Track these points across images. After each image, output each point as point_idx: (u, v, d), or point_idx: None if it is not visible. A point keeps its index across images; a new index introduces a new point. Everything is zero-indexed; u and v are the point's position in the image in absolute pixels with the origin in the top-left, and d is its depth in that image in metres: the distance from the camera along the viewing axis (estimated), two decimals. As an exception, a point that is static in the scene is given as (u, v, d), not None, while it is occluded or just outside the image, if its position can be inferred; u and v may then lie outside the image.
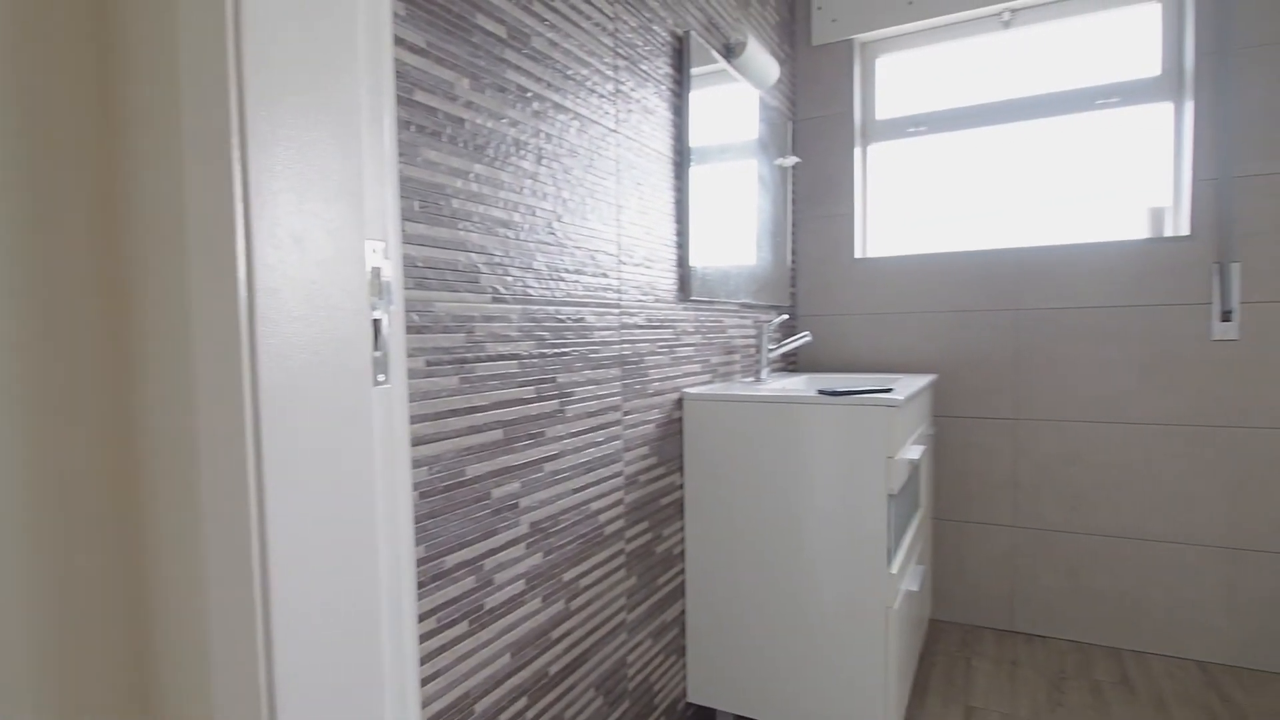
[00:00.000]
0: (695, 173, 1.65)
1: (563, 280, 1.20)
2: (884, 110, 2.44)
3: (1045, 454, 2.14)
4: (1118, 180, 2.16)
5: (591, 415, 1.29)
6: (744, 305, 2.00)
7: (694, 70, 1.63)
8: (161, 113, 0.50)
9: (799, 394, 1.52)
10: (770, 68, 1.99)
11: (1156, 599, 2.02)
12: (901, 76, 2.42)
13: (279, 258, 0.51)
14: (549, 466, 1.17)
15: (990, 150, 2.31)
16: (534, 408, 1.13)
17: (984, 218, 2.33)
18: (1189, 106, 1.98)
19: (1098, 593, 2.09)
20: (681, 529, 1.65)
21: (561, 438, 1.20)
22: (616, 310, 1.37)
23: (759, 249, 2.08)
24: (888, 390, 1.50)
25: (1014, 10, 2.23)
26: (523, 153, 1.10)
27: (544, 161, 1.15)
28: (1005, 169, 2.29)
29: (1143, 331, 2.02)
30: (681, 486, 1.65)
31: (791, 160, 2.26)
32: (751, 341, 2.07)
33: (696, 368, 1.71)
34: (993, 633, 2.18)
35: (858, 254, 2.43)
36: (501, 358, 1.06)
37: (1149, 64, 2.10)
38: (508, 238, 1.07)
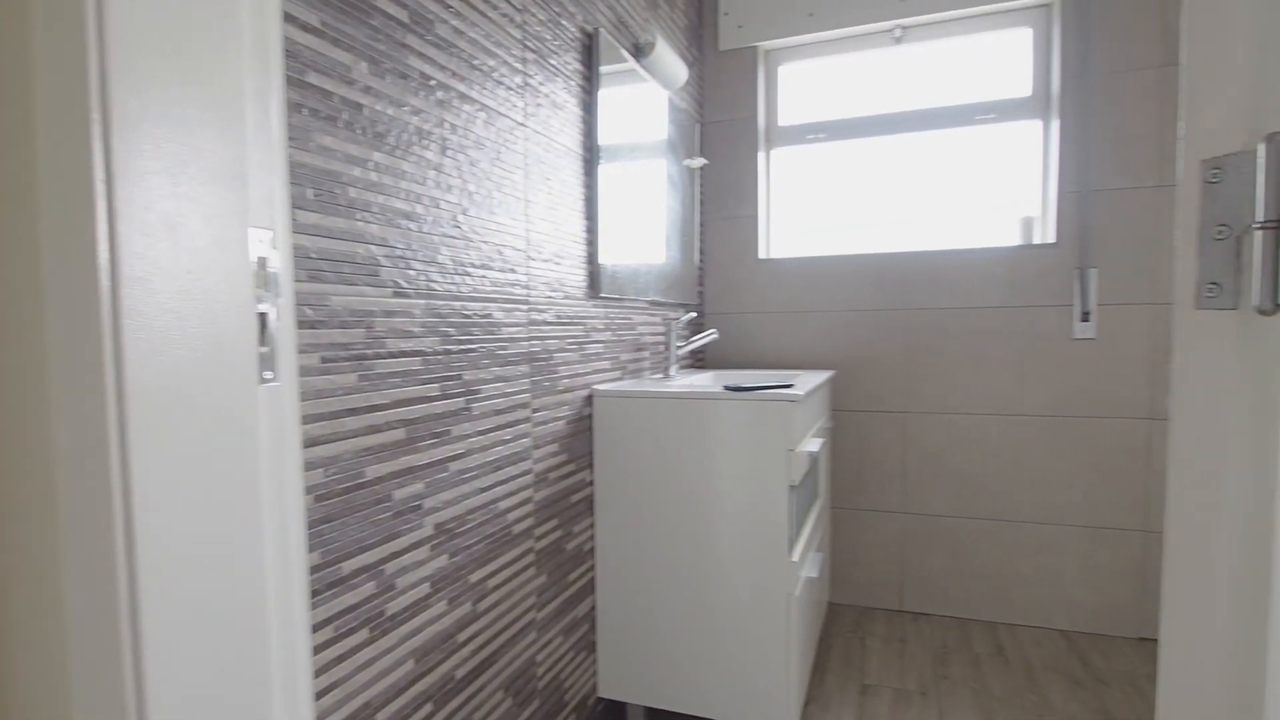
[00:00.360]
0: (605, 170, 1.65)
1: (469, 275, 1.17)
2: (786, 117, 2.53)
3: (932, 445, 2.28)
4: (995, 191, 2.33)
5: (500, 413, 1.27)
6: (653, 303, 2.03)
7: (603, 68, 1.63)
8: (10, 85, 0.45)
9: (706, 390, 1.55)
10: (679, 69, 2.02)
11: (1026, 575, 2.20)
12: (802, 85, 2.52)
13: (148, 245, 0.47)
14: (455, 466, 1.14)
15: (883, 159, 2.44)
16: (439, 406, 1.10)
17: (878, 223, 2.46)
18: (1055, 125, 2.16)
19: (976, 572, 2.25)
20: (592, 525, 1.65)
21: (468, 436, 1.17)
22: (525, 306, 1.35)
23: (668, 248, 2.11)
24: (789, 386, 1.55)
25: (905, 27, 2.36)
26: (426, 142, 1.07)
27: (449, 153, 1.12)
28: (897, 177, 2.43)
29: (1016, 330, 2.19)
30: (592, 483, 1.65)
31: (699, 161, 2.30)
32: (660, 339, 2.09)
33: (606, 365, 1.72)
34: (884, 613, 2.31)
35: (762, 255, 2.51)
36: (404, 354, 1.02)
37: (1021, 85, 2.27)
38: (410, 230, 1.03)
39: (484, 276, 1.22)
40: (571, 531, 1.55)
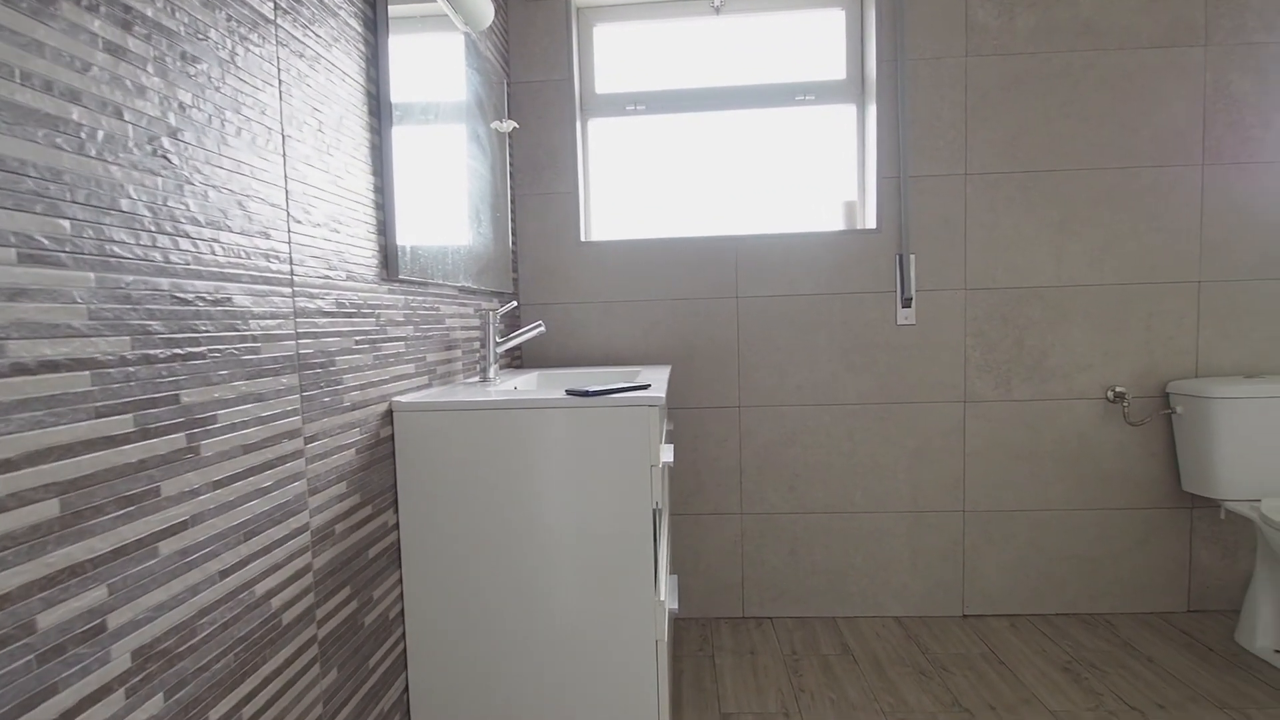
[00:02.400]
0: (401, 108, 1.25)
1: (185, 237, 0.74)
2: (604, 84, 2.27)
3: (766, 439, 2.17)
4: (818, 174, 2.28)
5: (250, 450, 0.84)
6: (464, 290, 1.65)
7: (391, -24, 1.23)
8: None
9: (541, 397, 1.23)
10: (483, 4, 1.66)
11: (860, 566, 2.18)
12: (621, 50, 2.27)
13: None
14: (169, 546, 0.71)
15: (707, 136, 2.28)
16: (132, 451, 0.66)
17: (704, 204, 2.30)
18: (872, 110, 2.14)
19: (814, 567, 2.18)
20: (399, 583, 1.25)
21: (194, 493, 0.74)
22: (288, 289, 0.93)
23: (479, 223, 1.74)
24: (645, 387, 1.29)
25: (725, -3, 2.21)
26: (94, 2, 0.62)
27: (137, 29, 0.68)
28: (722, 156, 2.28)
29: (844, 318, 2.14)
30: (396, 526, 1.25)
31: (509, 125, 1.95)
32: (475, 334, 1.72)
33: (410, 368, 1.32)
34: (728, 623, 2.16)
35: (583, 237, 2.23)
36: (53, 367, 0.58)
37: (837, 68, 2.23)
38: (59, 148, 0.59)
39: (214, 240, 0.79)
40: (371, 598, 1.15)
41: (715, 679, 1.82)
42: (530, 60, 2.16)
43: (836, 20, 2.23)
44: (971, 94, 2.09)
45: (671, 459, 1.38)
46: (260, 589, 0.85)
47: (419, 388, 1.36)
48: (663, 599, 1.24)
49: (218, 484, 0.78)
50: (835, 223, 2.25)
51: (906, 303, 2.13)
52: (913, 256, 2.12)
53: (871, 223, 2.16)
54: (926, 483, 2.16)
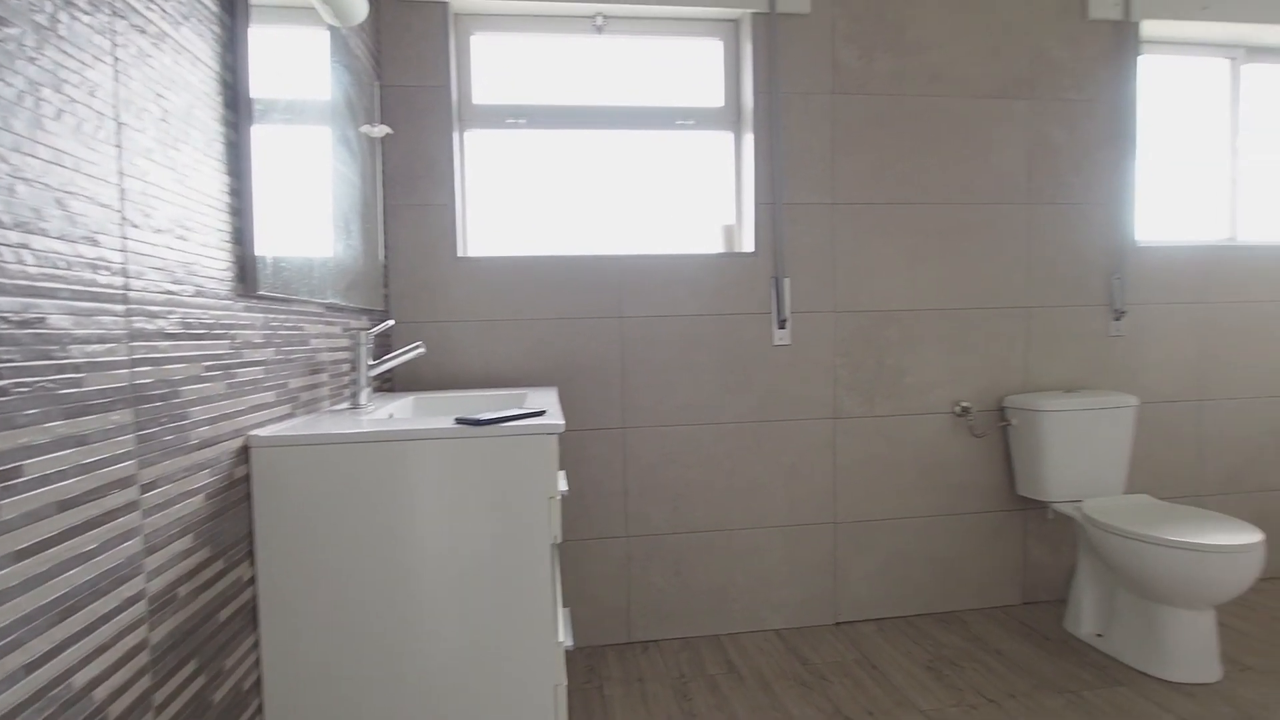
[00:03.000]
0: (263, 103, 1.10)
1: (-15, 242, 0.59)
2: (482, 94, 2.18)
3: (650, 459, 2.15)
4: (699, 197, 2.32)
5: (68, 506, 0.68)
6: (332, 307, 1.49)
7: (250, -47, 1.09)
8: None
9: (427, 425, 1.13)
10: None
11: (740, 582, 2.21)
12: (500, 62, 2.19)
13: None
14: (-43, 638, 0.55)
15: (590, 154, 2.25)
16: (-96, 520, 0.51)
17: (590, 222, 2.26)
18: (748, 138, 2.21)
19: (698, 587, 2.19)
20: (255, 647, 1.08)
21: (-8, 566, 0.59)
22: (121, 306, 0.77)
23: (347, 234, 1.59)
24: (540, 413, 1.22)
25: (606, 16, 2.20)
26: None
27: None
28: (605, 175, 2.26)
29: (724, 338, 2.18)
30: (253, 581, 1.08)
31: (381, 129, 1.81)
32: (345, 356, 1.56)
33: (269, 396, 1.16)
34: (614, 650, 2.10)
35: (461, 252, 2.11)
36: None
37: (715, 96, 2.29)
38: None
39: (23, 247, 0.63)
40: (222, 669, 0.98)
41: (605, 712, 1.76)
42: (404, 64, 2.03)
43: (715, 50, 2.28)
44: (838, 129, 2.21)
45: (566, 487, 1.31)
46: (80, 679, 0.69)
47: (280, 418, 1.20)
48: (561, 640, 1.17)
49: (22, 554, 0.62)
50: (715, 245, 2.29)
51: (782, 324, 2.20)
52: (788, 280, 2.21)
53: (749, 246, 2.22)
54: (801, 497, 2.24)
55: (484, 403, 1.73)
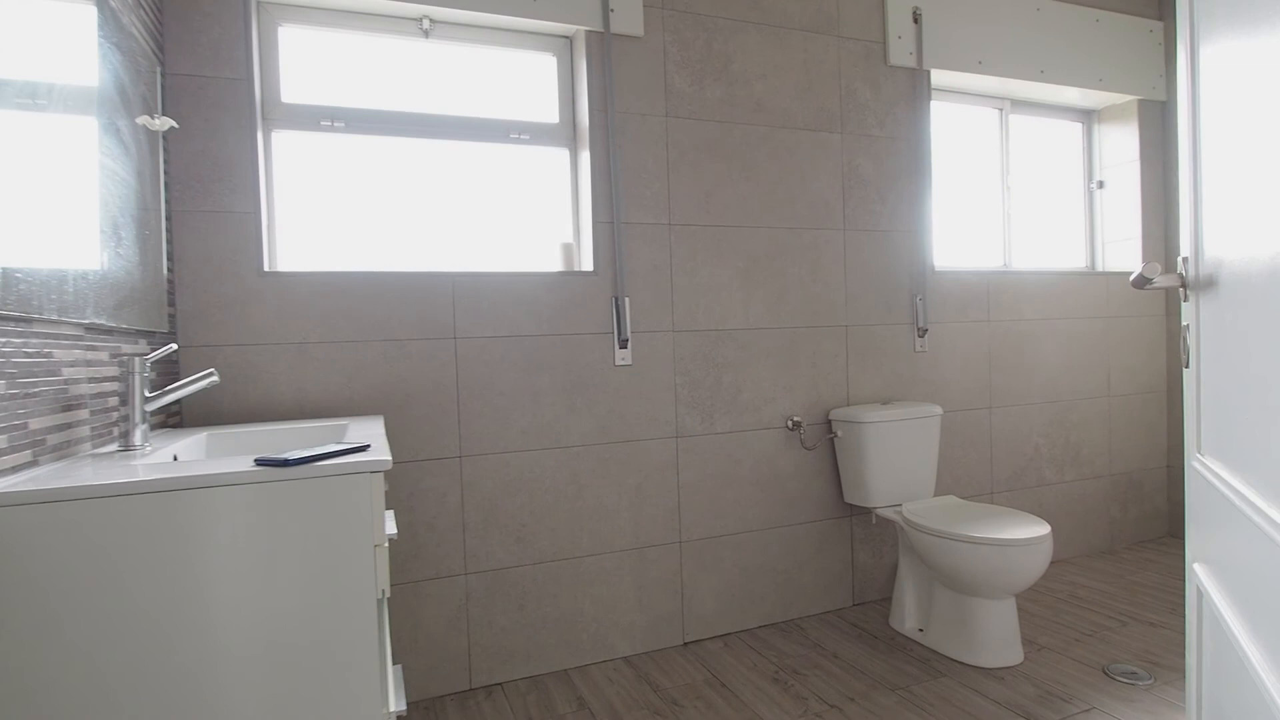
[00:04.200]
0: (-22, 79, 0.88)
1: None
2: (294, 93, 1.97)
3: (491, 489, 2.03)
4: (538, 213, 2.25)
5: None
6: (95, 329, 1.24)
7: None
8: None
9: (221, 469, 0.95)
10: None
11: (589, 611, 2.14)
12: (314, 59, 2.00)
13: None
14: None
15: (422, 164, 2.10)
16: None
17: (420, 237, 2.10)
18: (585, 156, 2.19)
19: (544, 620, 2.08)
20: (-33, 767, 0.84)
21: None
22: None
23: (117, 241, 1.33)
24: (363, 448, 1.07)
25: (433, 20, 2.09)
26: None
27: None
28: (438, 187, 2.12)
29: (565, 359, 2.12)
30: (-36, 682, 0.84)
31: (164, 122, 1.56)
32: (113, 387, 1.30)
33: (0, 442, 0.92)
34: (455, 699, 1.94)
35: (268, 266, 1.87)
36: None
37: (550, 111, 2.25)
38: None
39: None
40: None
41: (444, 772, 1.60)
42: (194, 50, 1.77)
43: (549, 66, 2.24)
44: (672, 150, 2.25)
45: (395, 529, 1.17)
46: None
47: (17, 468, 0.96)
48: (392, 708, 1.03)
49: None
50: (554, 264, 2.23)
51: (623, 344, 2.18)
52: (628, 299, 2.20)
53: (589, 265, 2.19)
54: (647, 518, 2.22)
55: (295, 438, 1.53)
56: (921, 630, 2.23)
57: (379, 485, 1.00)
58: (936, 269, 2.68)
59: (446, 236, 2.13)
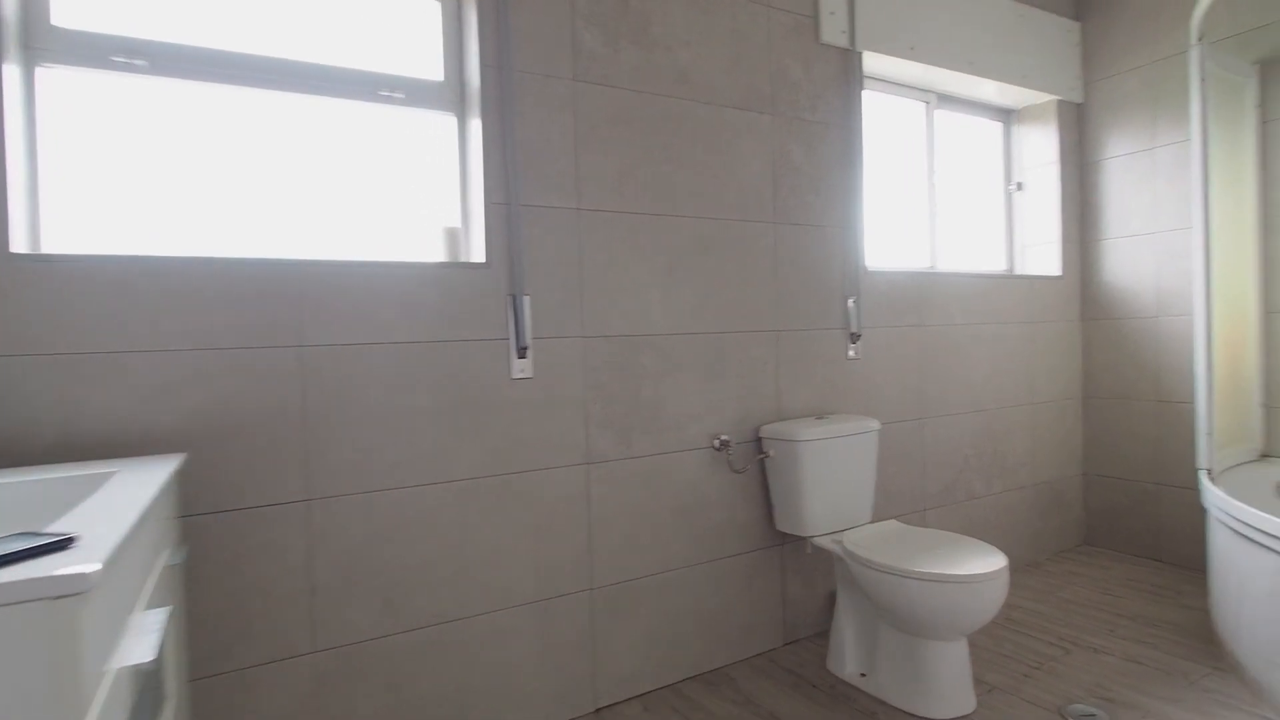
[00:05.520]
0: None
1: None
2: (68, 13, 1.44)
3: (351, 540, 1.59)
4: (415, 190, 1.82)
5: None
6: None
7: None
8: None
9: None
10: None
11: (479, 685, 1.73)
12: (97, -34, 1.48)
13: None
14: None
15: (261, 124, 1.63)
16: None
17: (257, 216, 1.62)
18: (476, 124, 1.78)
19: (421, 702, 1.66)
20: None
21: None
22: None
23: None
24: (63, 542, 0.63)
25: (275, -62, 1.62)
26: None
27: None
28: (282, 154, 1.65)
29: (449, 372, 1.70)
30: None
31: None
32: None
33: None
34: (297, 822, 1.48)
35: (19, 246, 1.35)
36: None
37: (434, 67, 1.83)
38: None
39: None
40: None
41: None
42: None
43: (432, 12, 1.82)
44: (581, 122, 1.88)
45: (159, 635, 0.74)
46: None
47: None
48: None
49: None
50: (436, 252, 1.81)
51: (522, 352, 1.79)
52: (528, 298, 1.81)
53: (479, 255, 1.78)
54: (552, 564, 1.84)
55: (8, 497, 1.03)
56: (864, 675, 1.97)
57: (83, 616, 0.57)
58: (869, 269, 2.45)
59: (294, 217, 1.67)
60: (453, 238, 1.80)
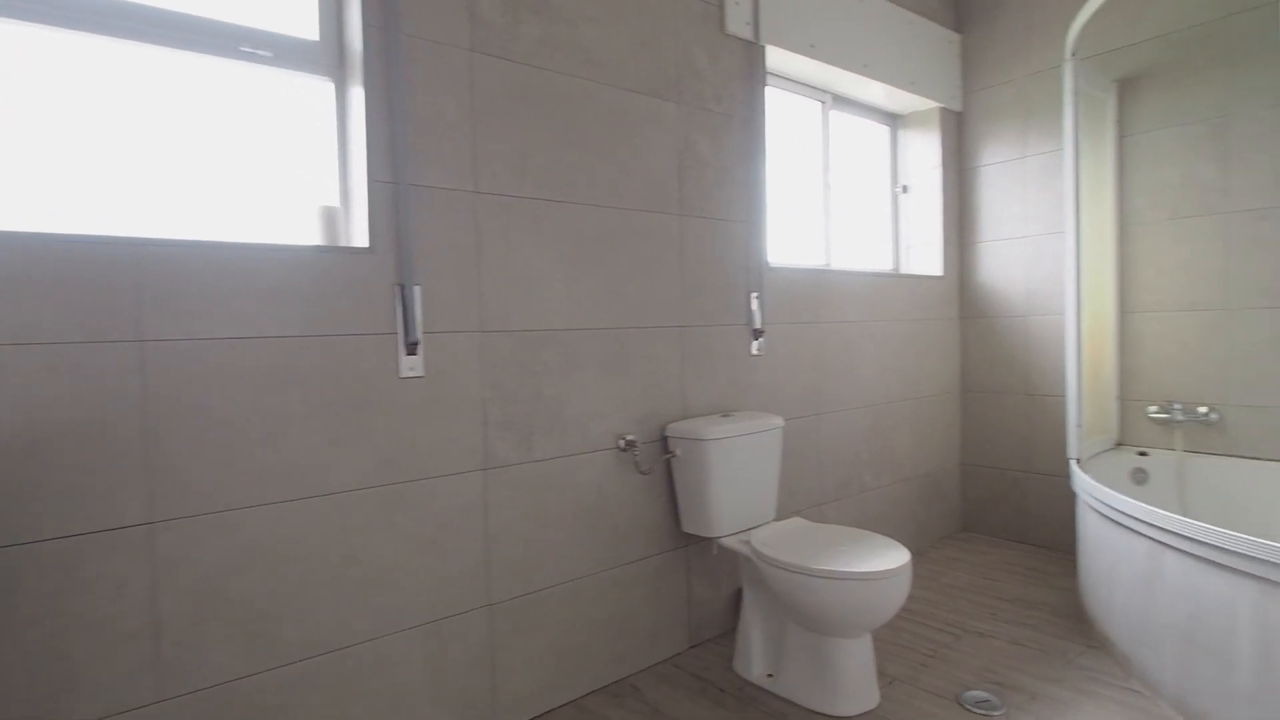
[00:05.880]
0: None
1: None
2: None
3: (207, 567, 1.36)
4: (284, 164, 1.59)
5: None
6: None
7: None
8: None
9: None
10: None
11: (362, 718, 1.55)
12: None
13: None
14: None
15: (91, 78, 1.35)
16: None
17: (85, 186, 1.35)
18: (358, 91, 1.58)
19: (296, 745, 1.46)
20: None
21: None
22: None
23: None
24: None
25: None
26: None
27: None
28: (119, 113, 1.38)
29: (327, 371, 1.51)
30: None
31: None
32: None
33: None
34: None
35: None
36: None
37: (308, 24, 1.61)
38: None
39: None
40: None
41: None
42: None
43: (301, -42, 1.60)
44: (479, 96, 1.73)
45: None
46: None
47: None
48: None
49: None
50: (310, 234, 1.60)
51: (412, 348, 1.62)
52: (419, 288, 1.63)
53: (362, 239, 1.59)
54: (446, 580, 1.68)
55: None
56: (771, 676, 1.95)
57: None
58: (771, 266, 2.45)
59: (134, 188, 1.40)
60: (330, 218, 1.60)
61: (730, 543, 2.01)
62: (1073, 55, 2.28)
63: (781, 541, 1.90)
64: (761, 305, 2.37)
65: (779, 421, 2.16)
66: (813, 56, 2.53)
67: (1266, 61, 2.29)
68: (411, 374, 1.62)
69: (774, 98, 2.69)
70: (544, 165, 1.84)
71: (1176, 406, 2.51)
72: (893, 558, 1.74)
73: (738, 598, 2.34)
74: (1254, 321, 2.38)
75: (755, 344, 2.37)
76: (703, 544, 2.23)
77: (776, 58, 2.52)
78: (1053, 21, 2.86)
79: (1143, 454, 2.58)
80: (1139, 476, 2.55)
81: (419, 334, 1.63)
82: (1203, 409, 2.47)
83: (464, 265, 1.70)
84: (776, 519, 2.37)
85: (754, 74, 2.36)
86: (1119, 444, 2.71)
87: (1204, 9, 2.42)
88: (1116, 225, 2.69)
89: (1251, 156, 2.35)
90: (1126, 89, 2.65)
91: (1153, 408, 2.60)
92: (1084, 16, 2.14)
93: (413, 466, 1.62)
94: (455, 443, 1.69)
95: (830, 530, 1.99)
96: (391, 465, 1.59)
